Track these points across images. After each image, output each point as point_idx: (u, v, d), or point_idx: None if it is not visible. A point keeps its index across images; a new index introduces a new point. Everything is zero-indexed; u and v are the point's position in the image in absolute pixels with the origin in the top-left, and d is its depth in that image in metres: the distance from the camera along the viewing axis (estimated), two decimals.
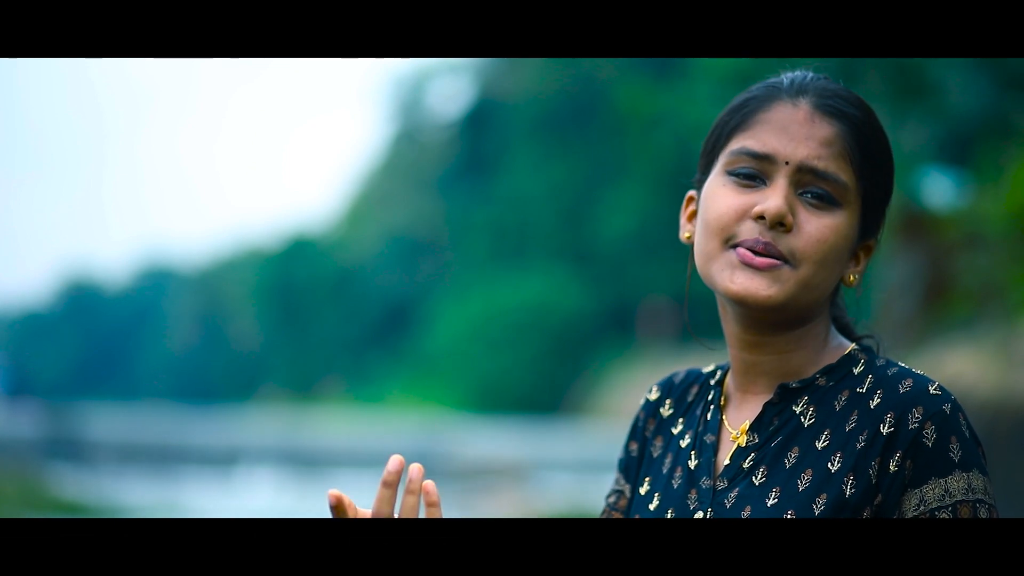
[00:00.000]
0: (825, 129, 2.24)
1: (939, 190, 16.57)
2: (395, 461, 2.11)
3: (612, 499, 2.47)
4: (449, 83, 49.97)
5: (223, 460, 30.30)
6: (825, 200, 2.23)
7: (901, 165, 15.70)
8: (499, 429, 30.47)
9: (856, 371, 2.26)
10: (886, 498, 2.16)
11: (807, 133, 2.24)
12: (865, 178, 2.25)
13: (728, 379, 2.36)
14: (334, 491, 2.12)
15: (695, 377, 2.46)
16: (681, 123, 33.72)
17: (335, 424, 38.74)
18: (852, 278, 2.30)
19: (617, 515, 2.45)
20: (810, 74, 2.30)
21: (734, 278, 2.23)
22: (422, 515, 2.16)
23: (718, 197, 2.26)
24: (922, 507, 2.15)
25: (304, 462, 29.84)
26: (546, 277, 40.73)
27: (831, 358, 2.29)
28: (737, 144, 2.27)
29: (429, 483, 2.14)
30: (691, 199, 2.35)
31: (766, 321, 2.26)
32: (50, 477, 23.88)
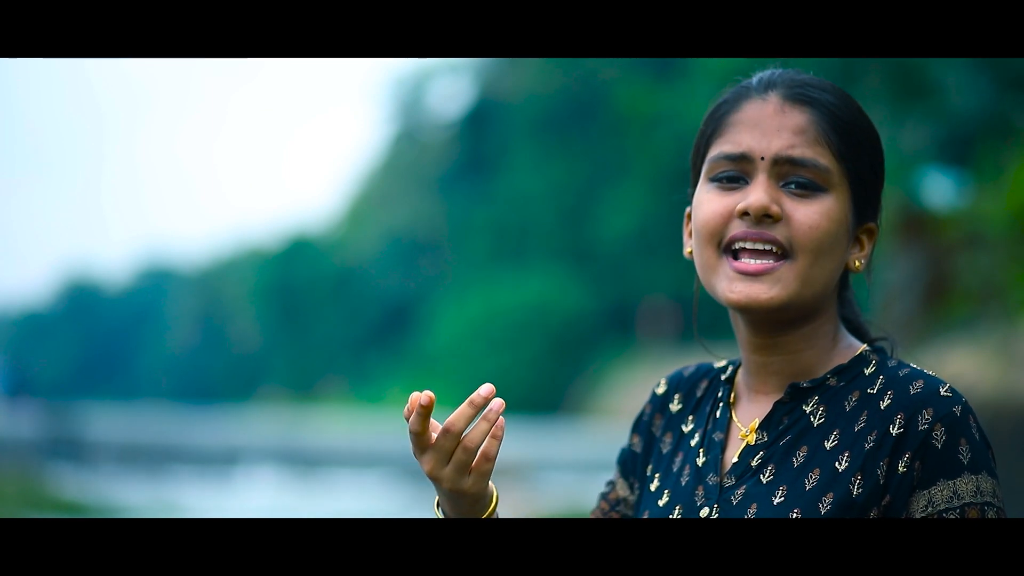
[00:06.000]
0: (796, 118, 2.24)
1: (939, 190, 16.53)
2: (487, 387, 2.16)
3: (605, 489, 2.48)
4: (449, 83, 49.99)
5: (223, 460, 30.30)
6: (809, 187, 2.22)
7: (901, 165, 15.71)
8: None
9: (867, 372, 2.26)
10: (894, 499, 2.16)
11: (779, 124, 2.24)
12: (847, 160, 2.24)
13: (739, 377, 2.36)
14: (430, 393, 2.17)
15: (705, 371, 2.45)
16: (681, 123, 33.68)
17: (335, 424, 38.75)
18: (857, 264, 2.29)
19: (605, 504, 2.46)
20: (780, 70, 2.30)
21: (733, 288, 2.23)
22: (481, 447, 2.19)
23: (704, 204, 2.27)
24: (930, 508, 2.14)
25: (304, 462, 29.84)
26: (546, 277, 40.71)
27: (842, 358, 2.28)
28: (715, 150, 2.27)
29: (503, 420, 2.18)
30: (690, 215, 2.35)
31: (774, 322, 2.26)
32: (50, 477, 23.91)
